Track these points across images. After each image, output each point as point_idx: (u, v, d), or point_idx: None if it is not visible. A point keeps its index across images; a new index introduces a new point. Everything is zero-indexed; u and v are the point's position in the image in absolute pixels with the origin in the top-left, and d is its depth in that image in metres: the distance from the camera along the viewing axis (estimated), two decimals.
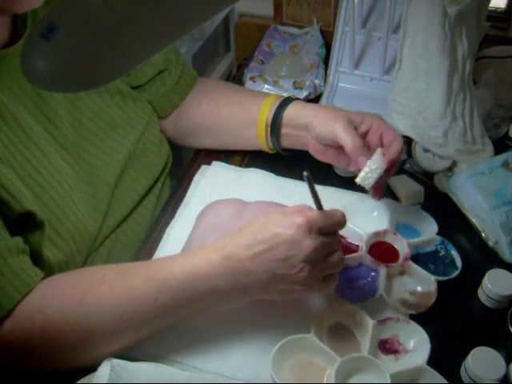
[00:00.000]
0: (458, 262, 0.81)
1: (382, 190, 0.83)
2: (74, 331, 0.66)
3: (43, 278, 0.69)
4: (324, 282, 0.69)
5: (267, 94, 0.93)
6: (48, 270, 0.71)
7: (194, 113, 0.97)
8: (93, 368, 0.67)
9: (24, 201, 0.67)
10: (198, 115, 0.97)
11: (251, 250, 0.66)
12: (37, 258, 0.70)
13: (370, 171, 0.78)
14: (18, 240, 0.67)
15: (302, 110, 0.87)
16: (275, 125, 0.89)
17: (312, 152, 0.87)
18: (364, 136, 0.82)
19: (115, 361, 0.66)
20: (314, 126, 0.84)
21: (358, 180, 0.79)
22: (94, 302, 0.67)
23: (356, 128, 0.81)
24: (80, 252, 0.76)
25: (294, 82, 1.13)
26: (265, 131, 0.90)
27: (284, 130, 0.89)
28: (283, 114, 0.88)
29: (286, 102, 0.90)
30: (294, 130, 0.88)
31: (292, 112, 0.88)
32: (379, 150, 0.80)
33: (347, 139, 0.79)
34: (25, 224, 0.69)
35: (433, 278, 0.77)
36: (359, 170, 0.79)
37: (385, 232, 0.83)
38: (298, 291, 0.68)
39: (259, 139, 0.92)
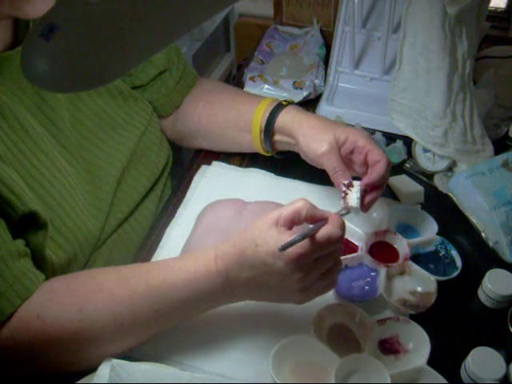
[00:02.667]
0: (458, 262, 0.81)
1: (370, 205, 0.79)
2: (74, 339, 0.66)
3: (46, 279, 0.69)
4: (323, 281, 0.67)
5: (261, 99, 0.92)
6: (51, 270, 0.71)
7: (190, 115, 0.98)
8: (93, 368, 0.67)
9: (28, 201, 0.67)
10: (193, 118, 0.97)
11: (244, 273, 0.65)
12: (39, 259, 0.70)
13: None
14: (20, 243, 0.67)
15: (291, 119, 0.86)
16: (268, 132, 0.89)
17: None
18: (351, 152, 0.81)
19: (115, 361, 0.66)
20: (301, 146, 0.84)
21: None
22: (93, 311, 0.66)
23: (341, 146, 0.80)
24: (83, 252, 0.76)
25: (294, 82, 1.13)
26: (259, 137, 0.91)
27: (277, 137, 0.90)
28: (275, 122, 0.88)
29: (278, 107, 0.89)
30: (287, 138, 0.88)
31: (282, 121, 0.87)
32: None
33: (328, 165, 0.79)
34: (28, 224, 0.69)
35: (433, 278, 0.77)
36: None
37: (385, 232, 0.83)
38: (295, 300, 0.69)
39: (255, 144, 0.93)
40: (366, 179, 0.78)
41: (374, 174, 0.77)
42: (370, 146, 0.79)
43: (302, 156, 0.86)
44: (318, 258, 0.63)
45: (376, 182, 0.77)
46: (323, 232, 0.62)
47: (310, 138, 0.82)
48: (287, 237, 0.62)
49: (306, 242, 0.61)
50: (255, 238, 0.64)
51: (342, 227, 0.64)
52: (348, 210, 0.75)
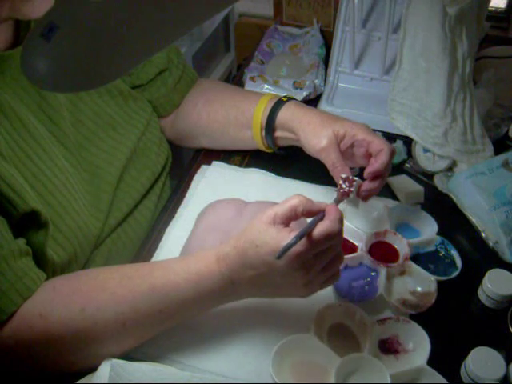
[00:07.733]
0: (458, 262, 0.81)
1: (370, 195, 0.79)
2: (76, 338, 0.66)
3: (47, 278, 0.69)
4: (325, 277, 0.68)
5: (261, 96, 0.93)
6: (52, 269, 0.71)
7: (190, 114, 0.98)
8: (93, 368, 0.67)
9: (29, 199, 0.67)
10: (193, 117, 0.98)
11: (247, 273, 0.66)
12: (40, 258, 0.70)
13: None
14: (21, 242, 0.67)
15: (291, 115, 0.87)
16: (269, 128, 0.89)
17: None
18: (351, 146, 0.82)
19: (115, 361, 0.66)
20: (301, 141, 0.85)
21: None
22: (96, 310, 0.66)
23: (340, 141, 0.81)
24: (83, 251, 0.76)
25: (294, 82, 1.13)
26: (260, 134, 0.91)
27: (278, 134, 0.90)
28: (275, 119, 0.88)
29: (278, 104, 0.89)
30: (288, 133, 0.88)
31: (283, 117, 0.88)
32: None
33: (327, 160, 0.81)
34: (29, 223, 0.69)
35: (433, 278, 0.77)
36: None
37: (385, 232, 0.83)
38: (298, 295, 0.69)
39: (256, 141, 0.93)
40: (370, 168, 0.78)
41: (378, 162, 0.78)
42: (370, 137, 0.80)
43: (304, 150, 0.87)
44: (318, 252, 0.63)
45: (379, 171, 0.78)
46: (321, 228, 0.62)
47: (310, 133, 0.83)
48: (286, 234, 0.62)
49: (304, 240, 0.61)
50: (254, 238, 0.64)
51: (340, 220, 0.64)
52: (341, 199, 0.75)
